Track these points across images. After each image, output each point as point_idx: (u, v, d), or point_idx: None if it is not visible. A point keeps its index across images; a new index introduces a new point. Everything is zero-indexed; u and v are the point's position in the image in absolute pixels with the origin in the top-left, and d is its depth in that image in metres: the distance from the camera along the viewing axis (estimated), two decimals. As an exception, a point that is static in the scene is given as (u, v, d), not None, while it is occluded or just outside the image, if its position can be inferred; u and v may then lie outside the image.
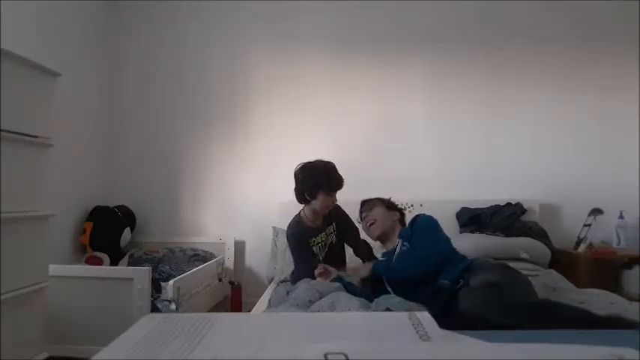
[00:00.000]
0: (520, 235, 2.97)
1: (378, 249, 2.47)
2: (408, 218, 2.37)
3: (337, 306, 1.70)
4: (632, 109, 3.31)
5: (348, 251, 2.49)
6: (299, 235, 2.32)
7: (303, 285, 1.98)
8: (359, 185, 3.28)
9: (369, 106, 3.48)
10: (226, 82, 3.55)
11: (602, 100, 3.37)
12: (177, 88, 3.57)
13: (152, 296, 2.26)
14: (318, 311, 1.71)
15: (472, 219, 3.17)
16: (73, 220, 3.06)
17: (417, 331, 0.55)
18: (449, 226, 2.44)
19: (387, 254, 2.19)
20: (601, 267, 2.99)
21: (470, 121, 3.44)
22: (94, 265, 2.88)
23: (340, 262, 2.36)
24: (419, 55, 3.49)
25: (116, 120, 3.54)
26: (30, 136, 1.73)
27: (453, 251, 2.02)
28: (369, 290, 2.04)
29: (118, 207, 3.26)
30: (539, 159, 3.39)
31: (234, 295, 3.22)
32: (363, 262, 2.38)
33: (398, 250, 2.08)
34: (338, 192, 2.37)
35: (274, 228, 3.17)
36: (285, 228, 2.43)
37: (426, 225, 2.08)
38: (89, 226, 3.06)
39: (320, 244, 2.33)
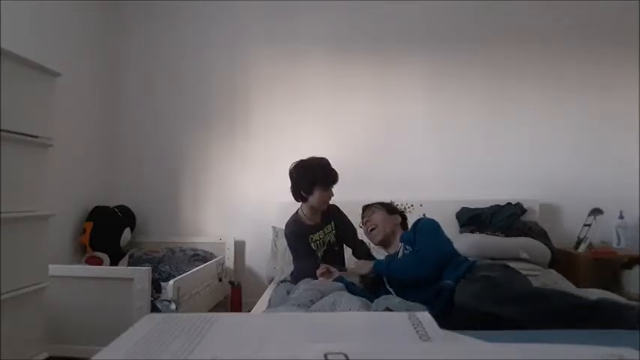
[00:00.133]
0: (520, 235, 2.97)
1: (377, 251, 2.47)
2: (409, 218, 2.38)
3: (338, 306, 1.71)
4: (632, 109, 3.31)
5: (347, 253, 2.50)
6: (298, 233, 2.33)
7: (305, 285, 1.99)
8: (359, 185, 3.30)
9: (369, 106, 3.48)
10: (226, 82, 3.55)
11: (602, 100, 3.37)
12: (177, 88, 3.57)
13: (152, 296, 2.26)
14: (319, 311, 1.71)
15: (472, 219, 3.17)
16: (73, 220, 3.06)
17: (417, 331, 0.55)
18: (449, 226, 2.44)
19: (390, 258, 2.19)
20: (601, 267, 2.99)
21: (470, 121, 3.44)
22: (94, 265, 2.88)
23: (339, 262, 2.37)
24: (419, 55, 3.49)
25: (116, 120, 3.54)
26: (30, 136, 1.73)
27: (455, 253, 2.02)
28: (370, 290, 2.04)
29: (118, 207, 3.26)
30: (539, 159, 3.39)
31: (234, 295, 3.22)
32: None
33: (400, 254, 2.09)
34: (338, 193, 2.40)
35: (274, 228, 3.18)
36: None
37: (428, 228, 2.08)
38: (89, 226, 3.06)
39: (318, 242, 2.34)
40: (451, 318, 1.65)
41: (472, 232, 3.06)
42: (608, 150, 3.35)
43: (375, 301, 1.77)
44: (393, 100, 3.48)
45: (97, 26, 3.39)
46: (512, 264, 1.98)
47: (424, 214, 2.88)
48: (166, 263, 3.01)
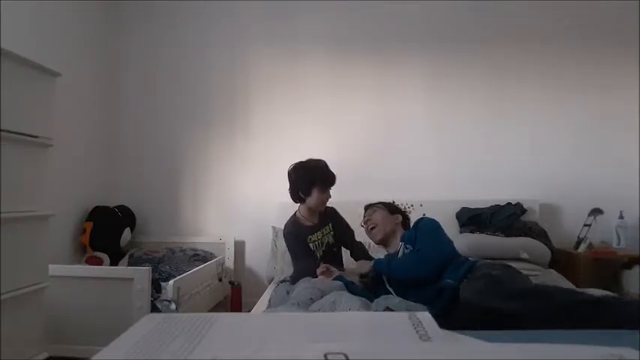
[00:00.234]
0: (520, 235, 2.97)
1: (377, 251, 2.47)
2: (411, 218, 2.38)
3: (338, 305, 1.71)
4: (632, 109, 3.31)
5: (345, 254, 2.51)
6: (296, 234, 2.35)
7: (304, 283, 1.99)
8: (359, 185, 3.30)
9: (369, 106, 3.48)
10: (226, 82, 3.55)
11: (602, 100, 3.37)
12: (177, 88, 3.57)
13: (152, 296, 2.26)
14: (319, 310, 1.71)
15: (472, 219, 3.17)
16: (73, 220, 3.06)
17: (417, 331, 0.55)
18: (449, 226, 2.44)
19: (390, 257, 2.19)
20: (601, 267, 2.99)
21: (470, 121, 3.44)
22: (94, 265, 2.88)
23: (338, 263, 2.37)
24: (419, 55, 3.49)
25: (116, 120, 3.54)
26: (30, 136, 1.73)
27: (456, 254, 2.03)
28: (370, 290, 2.04)
29: (118, 207, 3.26)
30: (539, 159, 3.39)
31: (234, 295, 3.22)
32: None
33: (401, 253, 2.09)
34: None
35: (274, 228, 3.18)
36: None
37: (429, 228, 2.08)
38: (89, 226, 3.06)
39: (317, 242, 2.36)
40: (451, 318, 1.66)
41: (472, 232, 3.06)
42: (608, 150, 3.35)
43: (375, 300, 1.77)
44: (393, 100, 3.48)
45: (97, 26, 3.39)
46: (512, 264, 1.98)
47: (424, 214, 2.87)
48: (166, 263, 3.01)
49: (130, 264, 3.00)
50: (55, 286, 1.87)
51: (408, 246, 2.07)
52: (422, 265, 1.93)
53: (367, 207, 2.35)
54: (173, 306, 2.33)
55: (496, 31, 3.45)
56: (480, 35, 3.45)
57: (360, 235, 2.54)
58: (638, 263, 2.94)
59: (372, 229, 2.23)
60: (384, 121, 3.47)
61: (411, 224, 2.24)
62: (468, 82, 3.45)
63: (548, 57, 3.41)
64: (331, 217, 2.45)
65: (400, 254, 2.09)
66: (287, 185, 2.39)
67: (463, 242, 2.66)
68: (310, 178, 2.29)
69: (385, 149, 3.45)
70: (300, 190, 2.32)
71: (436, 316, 0.61)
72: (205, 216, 3.53)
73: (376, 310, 1.67)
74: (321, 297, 1.84)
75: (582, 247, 3.02)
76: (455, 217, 3.23)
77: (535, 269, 2.66)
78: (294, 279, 2.28)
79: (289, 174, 2.36)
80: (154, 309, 2.24)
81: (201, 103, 3.57)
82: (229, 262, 3.40)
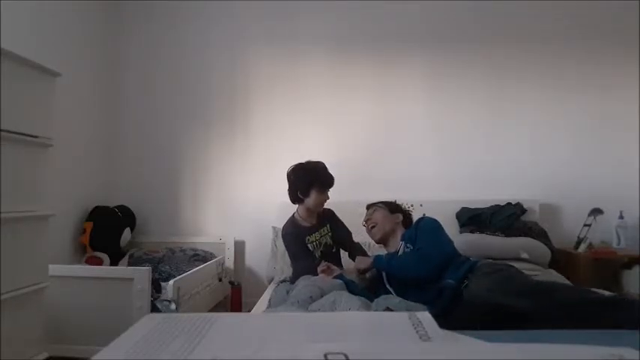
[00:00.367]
0: (520, 235, 2.97)
1: (377, 251, 2.47)
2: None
3: (338, 305, 1.71)
4: (632, 109, 3.31)
5: (344, 256, 2.53)
6: (295, 235, 2.37)
7: (304, 282, 1.99)
8: (359, 185, 3.30)
9: (369, 106, 3.48)
10: (226, 82, 3.55)
11: (602, 100, 3.37)
12: (177, 88, 3.57)
13: (152, 296, 2.26)
14: (319, 310, 1.71)
15: (472, 219, 3.17)
16: (73, 220, 3.06)
17: (417, 331, 0.55)
18: (449, 226, 2.44)
19: (390, 255, 2.19)
20: (601, 267, 2.99)
21: (470, 121, 3.44)
22: (94, 265, 2.88)
23: (336, 263, 2.38)
24: (419, 55, 3.49)
25: (116, 120, 3.54)
26: (30, 136, 1.73)
27: (456, 254, 2.03)
28: (369, 290, 2.05)
29: (118, 207, 3.26)
30: (539, 159, 3.39)
31: (234, 295, 3.22)
32: None
33: (401, 252, 2.09)
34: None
35: (274, 228, 3.17)
36: (283, 228, 2.48)
37: (429, 227, 2.09)
38: (89, 226, 3.06)
39: (315, 243, 2.38)
40: (452, 318, 1.66)
41: (472, 232, 3.06)
42: (608, 150, 3.35)
43: (375, 300, 1.77)
44: (393, 100, 3.48)
45: (97, 26, 3.39)
46: (512, 264, 1.98)
47: (424, 214, 2.87)
48: (166, 263, 3.01)
49: (130, 264, 3.00)
50: (55, 286, 1.87)
51: (408, 245, 2.07)
52: (422, 264, 1.93)
53: (369, 206, 2.37)
54: (173, 306, 2.33)
55: (496, 31, 3.45)
56: (479, 35, 3.45)
57: (360, 235, 2.54)
58: (638, 263, 2.94)
59: (372, 228, 2.26)
60: (384, 121, 3.47)
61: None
62: (468, 82, 3.45)
63: (548, 57, 3.41)
64: (329, 218, 2.49)
65: (400, 253, 2.09)
66: (286, 186, 2.42)
67: (463, 242, 2.66)
68: (309, 179, 2.33)
69: (385, 149, 3.45)
70: (299, 191, 2.35)
71: (436, 316, 0.61)
72: (205, 216, 3.53)
73: (376, 310, 1.67)
74: (321, 296, 1.84)
75: (582, 247, 3.02)
76: (455, 217, 3.23)
77: (535, 269, 2.66)
78: (294, 276, 2.30)
79: (288, 175, 2.39)
80: (154, 309, 2.24)
81: (201, 103, 3.57)
82: (229, 262, 3.40)
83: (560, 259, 2.94)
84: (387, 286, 2.02)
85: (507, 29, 3.44)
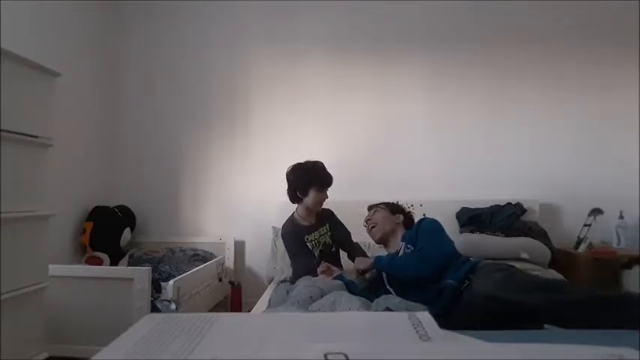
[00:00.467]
0: (520, 235, 2.97)
1: (377, 252, 2.48)
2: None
3: (338, 305, 1.71)
4: (632, 109, 3.31)
5: (343, 257, 2.53)
6: (294, 234, 2.39)
7: (304, 282, 2.00)
8: (359, 185, 3.31)
9: (369, 106, 3.48)
10: (226, 82, 3.55)
11: (602, 100, 3.37)
12: (177, 88, 3.57)
13: (152, 296, 2.26)
14: (319, 310, 1.71)
15: (472, 219, 3.17)
16: (73, 220, 3.06)
17: (417, 331, 0.55)
18: (449, 225, 2.45)
19: (391, 256, 2.19)
20: (601, 267, 2.98)
21: (470, 121, 3.44)
22: (94, 265, 2.88)
23: (335, 263, 2.39)
24: (419, 55, 3.49)
25: (116, 120, 3.54)
26: (30, 136, 1.73)
27: (457, 254, 2.04)
28: (369, 290, 2.05)
29: (118, 207, 3.26)
30: (539, 159, 3.39)
31: (234, 295, 3.22)
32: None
33: (401, 252, 2.10)
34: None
35: (274, 228, 3.17)
36: (283, 228, 2.49)
37: (430, 228, 2.10)
38: (89, 226, 3.06)
39: (314, 242, 2.39)
40: (452, 318, 1.66)
41: (472, 232, 3.06)
42: (608, 150, 3.35)
43: (375, 300, 1.78)
44: (393, 100, 3.48)
45: (97, 26, 3.39)
46: (512, 264, 1.98)
47: (424, 214, 2.88)
48: (166, 263, 3.01)
49: (130, 264, 3.00)
50: (55, 286, 1.87)
51: (409, 246, 2.08)
52: (423, 264, 1.93)
53: (370, 207, 2.39)
54: (173, 306, 2.33)
55: (496, 31, 3.45)
56: (480, 35, 3.45)
57: (359, 235, 2.55)
58: (638, 263, 2.94)
59: (372, 228, 2.27)
60: (384, 121, 3.47)
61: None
62: (468, 82, 3.45)
63: (548, 57, 3.41)
64: (328, 218, 2.51)
65: (401, 254, 2.10)
66: (286, 186, 2.43)
67: (463, 242, 2.66)
68: (308, 178, 2.35)
69: (385, 149, 3.45)
70: (298, 190, 2.37)
71: (436, 316, 0.61)
72: (205, 216, 3.53)
73: (376, 310, 1.67)
74: (321, 296, 1.84)
75: (582, 247, 3.02)
76: (455, 217, 3.23)
77: (535, 269, 2.65)
78: (294, 275, 2.32)
79: (287, 175, 2.42)
80: (154, 309, 2.24)
81: (201, 103, 3.57)
82: (229, 262, 3.40)
83: (560, 259, 2.94)
84: (388, 286, 2.02)
85: (507, 29, 3.44)
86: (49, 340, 1.87)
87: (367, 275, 2.19)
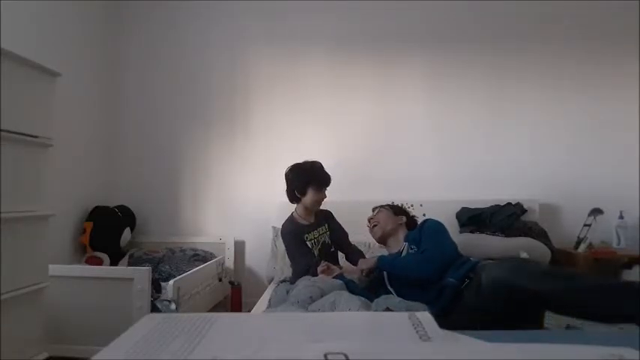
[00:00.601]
0: (520, 235, 2.97)
1: (377, 252, 2.48)
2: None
3: (338, 305, 1.71)
4: (632, 109, 3.31)
5: (341, 257, 2.55)
6: (294, 233, 2.41)
7: (304, 282, 2.00)
8: (359, 185, 3.31)
9: (369, 106, 3.48)
10: (226, 82, 3.55)
11: (602, 100, 3.37)
12: (177, 88, 3.57)
13: (152, 296, 2.26)
14: (319, 310, 1.71)
15: (472, 219, 3.16)
16: (73, 220, 3.06)
17: (417, 331, 0.55)
18: (449, 225, 2.44)
19: (394, 256, 2.20)
20: (601, 267, 2.98)
21: (470, 121, 3.44)
22: (94, 265, 2.87)
23: (334, 262, 2.41)
24: (419, 55, 3.49)
25: (116, 120, 3.54)
26: (30, 136, 1.73)
27: (459, 255, 2.05)
28: (370, 290, 2.05)
29: (118, 207, 3.26)
30: (539, 159, 3.38)
31: (234, 295, 3.22)
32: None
33: (404, 253, 2.11)
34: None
35: (274, 228, 3.17)
36: (283, 228, 2.52)
37: (434, 229, 2.13)
38: (89, 226, 3.06)
39: (313, 241, 2.41)
40: (452, 318, 1.66)
41: (472, 232, 3.06)
42: (608, 150, 3.35)
43: (375, 301, 1.78)
44: (393, 100, 3.48)
45: (97, 26, 3.39)
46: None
47: (424, 214, 2.88)
48: (166, 263, 3.01)
49: (130, 264, 3.00)
50: (55, 286, 1.87)
51: (412, 247, 2.10)
52: (426, 265, 1.95)
53: (374, 208, 2.43)
54: (173, 306, 2.33)
55: (496, 31, 3.45)
56: (479, 35, 3.45)
57: (359, 235, 2.55)
58: (638, 263, 2.94)
59: (373, 226, 2.31)
60: (384, 121, 3.47)
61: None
62: (468, 82, 3.45)
63: (548, 57, 3.41)
64: (327, 218, 2.54)
65: (404, 254, 2.11)
66: (285, 185, 2.46)
67: (463, 242, 2.66)
68: (306, 177, 2.39)
69: (385, 149, 3.45)
70: (296, 190, 2.41)
71: (436, 316, 0.61)
72: (205, 216, 3.53)
73: (376, 310, 1.67)
74: (321, 296, 1.84)
75: (582, 247, 3.02)
76: (455, 217, 3.23)
77: (535, 269, 2.65)
78: (294, 274, 2.34)
79: (286, 175, 2.45)
80: (154, 309, 2.24)
81: (201, 103, 3.56)
82: (229, 262, 3.40)
83: (560, 259, 2.94)
84: (388, 286, 2.02)
85: (507, 29, 3.44)
86: (49, 340, 1.87)
87: (370, 276, 2.19)
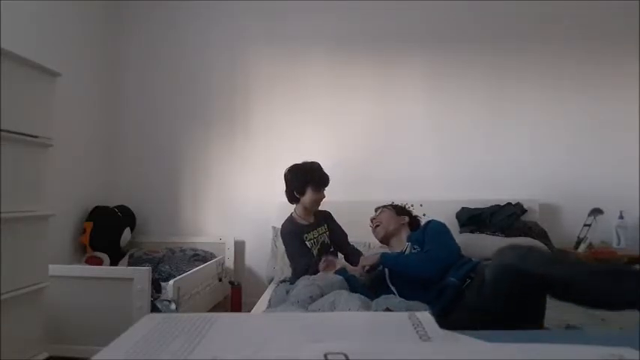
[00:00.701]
0: (520, 235, 2.97)
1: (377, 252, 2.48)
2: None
3: (337, 305, 1.71)
4: (632, 109, 3.31)
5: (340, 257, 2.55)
6: (293, 233, 2.42)
7: (304, 281, 2.01)
8: (359, 185, 3.31)
9: (369, 106, 3.48)
10: (226, 82, 3.55)
11: (602, 100, 3.37)
12: (177, 88, 3.57)
13: (152, 296, 2.26)
14: (319, 310, 1.71)
15: (472, 219, 3.16)
16: (73, 220, 3.06)
17: (417, 331, 0.55)
18: (449, 225, 2.45)
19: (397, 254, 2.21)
20: (601, 267, 2.98)
21: (470, 121, 3.44)
22: (94, 265, 2.88)
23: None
24: (419, 55, 3.49)
25: (116, 120, 3.54)
26: (30, 136, 1.73)
27: (461, 256, 2.06)
28: (370, 288, 2.05)
29: (118, 207, 3.26)
30: (539, 159, 3.39)
31: (234, 295, 3.22)
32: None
33: (407, 253, 2.11)
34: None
35: (274, 228, 3.17)
36: (282, 229, 2.54)
37: (437, 230, 2.14)
38: (89, 226, 3.06)
39: (313, 241, 2.42)
40: (453, 317, 1.66)
41: (472, 232, 3.06)
42: (608, 150, 3.35)
43: (375, 300, 1.78)
44: (393, 100, 3.48)
45: (97, 26, 3.39)
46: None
47: (424, 214, 2.88)
48: (166, 263, 3.01)
49: (130, 264, 3.00)
50: (55, 286, 1.87)
51: (415, 247, 2.10)
52: (430, 264, 1.95)
53: (377, 208, 2.44)
54: (173, 306, 2.33)
55: (496, 31, 3.45)
56: (480, 35, 3.45)
57: (358, 235, 2.55)
58: (638, 263, 2.94)
59: (376, 226, 2.32)
60: (384, 121, 3.47)
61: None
62: (468, 82, 3.45)
63: (548, 57, 3.41)
64: (326, 219, 2.55)
65: (407, 253, 2.12)
66: (284, 186, 2.48)
67: (463, 242, 2.66)
68: (305, 177, 2.40)
69: (385, 149, 3.45)
70: (295, 190, 2.43)
71: (437, 315, 0.61)
72: (205, 216, 3.53)
73: (376, 310, 1.67)
74: (321, 294, 1.85)
75: (582, 247, 3.02)
76: (455, 217, 3.23)
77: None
78: (294, 274, 2.34)
79: (285, 176, 2.47)
80: (154, 309, 2.24)
81: (201, 103, 3.57)
82: (229, 262, 3.40)
83: (560, 259, 2.94)
84: (389, 283, 2.02)
85: (507, 29, 3.44)
86: (49, 340, 1.87)
87: (371, 274, 2.19)
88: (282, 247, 2.93)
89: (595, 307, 1.55)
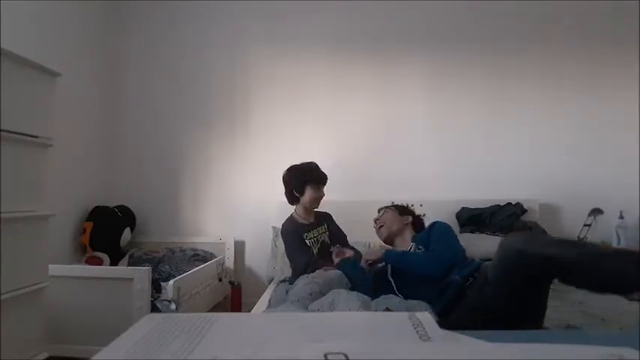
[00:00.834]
0: (520, 235, 2.97)
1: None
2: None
3: (337, 305, 1.71)
4: (632, 109, 3.31)
5: None
6: (294, 232, 2.44)
7: (303, 280, 2.02)
8: (359, 185, 3.31)
9: (369, 106, 3.48)
10: (226, 82, 3.55)
11: (602, 100, 3.37)
12: (177, 88, 3.57)
13: (152, 296, 2.26)
14: (318, 310, 1.71)
15: (472, 219, 3.17)
16: (73, 220, 3.06)
17: (417, 331, 0.55)
18: (449, 225, 2.48)
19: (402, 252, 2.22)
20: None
21: (470, 121, 3.44)
22: (94, 265, 2.87)
23: (332, 263, 2.40)
24: (419, 55, 3.49)
25: (116, 120, 3.54)
26: (30, 136, 1.73)
27: (465, 257, 2.06)
28: (372, 288, 2.06)
29: (118, 207, 3.26)
30: (539, 159, 3.39)
31: (234, 295, 3.22)
32: None
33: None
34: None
35: (274, 228, 3.17)
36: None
37: (443, 231, 2.15)
38: (89, 226, 3.06)
39: (313, 240, 2.44)
40: (453, 317, 1.67)
41: (472, 232, 3.06)
42: (608, 150, 3.35)
43: (375, 300, 1.79)
44: (393, 100, 3.48)
45: (97, 26, 3.39)
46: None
47: (424, 214, 2.88)
48: (166, 263, 3.01)
49: (130, 264, 3.00)
50: (55, 286, 1.87)
51: (420, 247, 2.11)
52: (435, 263, 1.96)
53: (380, 209, 2.45)
54: (173, 306, 2.33)
55: (496, 31, 3.45)
56: (480, 35, 3.45)
57: (358, 235, 2.55)
58: (638, 263, 2.94)
59: (380, 227, 2.33)
60: (384, 121, 3.47)
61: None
62: (468, 82, 3.45)
63: (548, 57, 3.41)
64: (326, 219, 2.58)
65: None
66: (283, 187, 2.51)
67: (462, 242, 2.66)
68: (303, 177, 2.44)
69: (385, 149, 3.45)
70: (295, 189, 2.45)
71: (438, 315, 0.61)
72: (205, 216, 3.53)
73: (376, 310, 1.67)
74: (320, 292, 1.85)
75: (582, 247, 3.02)
76: (455, 217, 3.23)
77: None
78: (295, 273, 2.35)
79: (284, 176, 2.50)
80: (154, 309, 2.24)
81: (201, 103, 3.57)
82: (229, 262, 3.40)
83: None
84: (390, 278, 2.03)
85: (507, 29, 3.44)
86: (49, 340, 1.87)
87: (374, 268, 2.20)
88: (282, 247, 2.93)
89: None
